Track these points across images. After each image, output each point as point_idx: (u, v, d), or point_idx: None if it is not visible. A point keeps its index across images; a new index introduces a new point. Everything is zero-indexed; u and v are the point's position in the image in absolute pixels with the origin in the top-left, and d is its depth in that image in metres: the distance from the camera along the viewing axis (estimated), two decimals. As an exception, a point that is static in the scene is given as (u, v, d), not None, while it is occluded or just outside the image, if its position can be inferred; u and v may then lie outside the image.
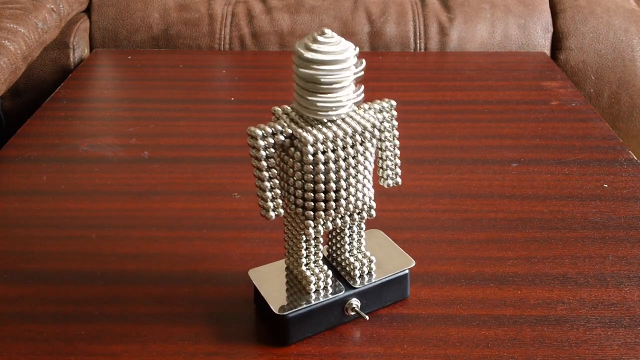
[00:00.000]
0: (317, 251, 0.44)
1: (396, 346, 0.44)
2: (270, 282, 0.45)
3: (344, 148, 0.40)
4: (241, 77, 0.91)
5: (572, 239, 0.55)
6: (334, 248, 0.47)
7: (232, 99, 0.84)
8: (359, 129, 0.40)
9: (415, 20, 1.01)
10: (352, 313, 0.45)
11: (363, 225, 0.46)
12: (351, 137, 0.40)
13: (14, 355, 0.43)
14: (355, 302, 0.45)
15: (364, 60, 0.40)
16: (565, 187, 0.63)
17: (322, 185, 0.40)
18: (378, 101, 0.43)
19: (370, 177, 0.42)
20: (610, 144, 0.71)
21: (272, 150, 0.40)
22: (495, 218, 0.58)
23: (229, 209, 0.60)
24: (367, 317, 0.45)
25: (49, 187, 0.63)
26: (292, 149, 0.40)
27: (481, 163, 0.68)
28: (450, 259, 0.53)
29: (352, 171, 0.40)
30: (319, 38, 0.38)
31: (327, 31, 0.38)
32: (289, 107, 0.42)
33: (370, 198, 0.43)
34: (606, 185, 0.64)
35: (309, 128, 0.39)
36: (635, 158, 0.69)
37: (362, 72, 0.39)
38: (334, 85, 0.39)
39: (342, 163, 0.40)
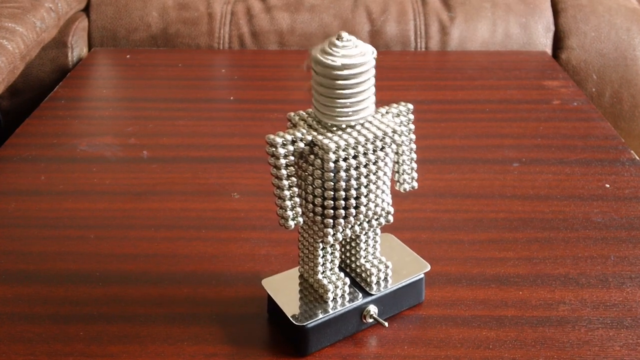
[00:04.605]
0: (333, 258, 0.44)
1: (397, 347, 0.44)
2: (284, 291, 0.45)
3: (365, 154, 0.39)
4: (240, 76, 0.91)
5: (574, 240, 0.55)
6: (348, 254, 0.46)
7: (232, 98, 0.84)
8: (379, 134, 0.39)
9: (415, 19, 1.00)
10: (370, 320, 0.45)
11: (378, 231, 0.45)
12: (372, 143, 0.39)
13: (12, 356, 0.43)
14: (373, 309, 0.44)
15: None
16: (566, 187, 0.63)
17: (343, 193, 0.39)
18: (395, 105, 0.43)
19: (388, 182, 0.42)
20: (612, 144, 0.71)
21: (292, 158, 0.39)
22: (497, 218, 0.58)
23: (228, 209, 0.59)
24: (386, 324, 0.44)
25: (48, 187, 0.63)
26: (312, 156, 0.39)
27: (482, 163, 0.67)
28: (451, 259, 0.53)
29: (372, 177, 0.40)
30: (337, 42, 0.38)
31: (344, 35, 0.38)
32: (304, 113, 0.41)
33: (388, 203, 0.42)
34: (608, 185, 0.63)
35: (330, 135, 0.39)
36: (637, 158, 0.68)
37: (376, 53, 0.39)
38: (354, 90, 0.38)
39: (363, 169, 0.39)
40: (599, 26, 0.98)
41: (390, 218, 0.43)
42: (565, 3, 1.02)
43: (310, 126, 0.40)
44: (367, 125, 0.40)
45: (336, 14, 1.01)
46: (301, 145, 0.39)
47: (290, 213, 0.40)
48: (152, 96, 0.84)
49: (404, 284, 0.46)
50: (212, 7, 1.01)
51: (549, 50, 1.00)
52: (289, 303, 0.44)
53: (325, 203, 0.39)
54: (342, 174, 0.38)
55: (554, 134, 0.73)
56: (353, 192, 0.39)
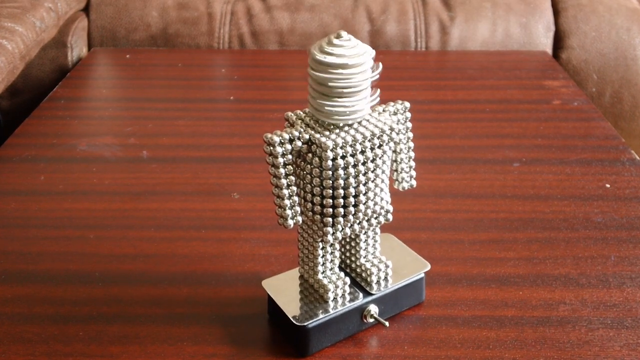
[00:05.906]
0: (333, 258, 0.44)
1: (397, 347, 0.44)
2: (285, 292, 0.45)
3: (362, 152, 0.39)
4: (240, 76, 0.91)
5: (574, 240, 0.55)
6: (348, 254, 0.46)
7: (232, 98, 0.84)
8: (377, 132, 0.39)
9: (416, 19, 1.00)
10: (371, 320, 0.44)
11: (378, 230, 0.45)
12: (369, 141, 0.39)
13: (11, 356, 0.43)
14: (374, 309, 0.44)
15: (380, 64, 0.39)
16: (567, 187, 0.63)
17: (341, 191, 0.39)
18: (392, 103, 0.43)
19: (387, 180, 0.42)
20: (613, 144, 0.71)
21: (290, 157, 0.39)
22: (497, 218, 0.58)
23: (228, 209, 0.59)
24: (387, 324, 0.44)
25: (47, 187, 0.63)
26: (310, 154, 0.39)
27: (482, 163, 0.67)
28: (451, 259, 0.53)
29: (370, 175, 0.40)
30: (335, 41, 0.38)
31: (344, 34, 0.38)
32: (302, 112, 0.41)
33: (387, 202, 0.42)
34: (608, 185, 0.63)
35: (327, 133, 0.39)
36: (638, 158, 0.68)
37: (378, 76, 0.39)
38: (352, 89, 0.38)
39: (361, 167, 0.39)
40: (600, 26, 0.98)
41: (390, 217, 0.43)
42: (566, 3, 1.02)
43: (307, 125, 0.40)
44: (364, 123, 0.40)
45: (336, 14, 1.00)
46: (299, 143, 0.39)
47: (289, 212, 0.40)
48: (151, 96, 0.84)
49: (404, 283, 0.46)
50: (212, 7, 1.01)
51: (549, 50, 1.00)
52: (290, 303, 0.43)
53: (324, 202, 0.39)
54: (341, 172, 0.38)
55: (554, 134, 0.73)
56: (352, 190, 0.39)
